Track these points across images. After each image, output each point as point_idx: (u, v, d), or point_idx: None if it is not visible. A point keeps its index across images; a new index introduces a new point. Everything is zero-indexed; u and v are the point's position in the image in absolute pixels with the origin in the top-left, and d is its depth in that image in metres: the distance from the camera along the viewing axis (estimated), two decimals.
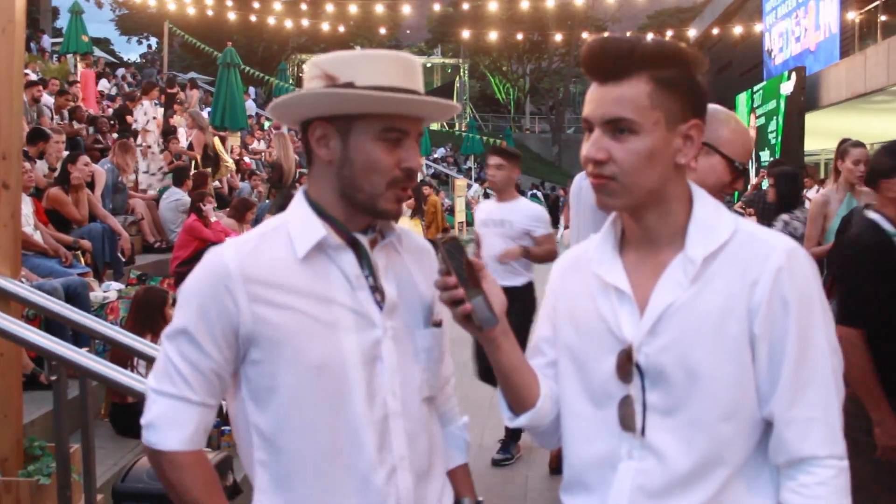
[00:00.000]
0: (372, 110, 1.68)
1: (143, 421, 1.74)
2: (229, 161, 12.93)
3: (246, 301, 1.67)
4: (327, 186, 1.75)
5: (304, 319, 1.68)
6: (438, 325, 1.84)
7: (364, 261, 1.75)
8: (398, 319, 1.77)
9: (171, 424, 1.70)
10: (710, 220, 1.64)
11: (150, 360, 4.19)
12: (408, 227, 1.74)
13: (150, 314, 5.47)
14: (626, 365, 1.63)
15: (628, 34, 1.63)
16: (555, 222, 31.37)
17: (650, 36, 1.67)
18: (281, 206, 11.01)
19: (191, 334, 1.69)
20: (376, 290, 1.75)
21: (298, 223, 1.74)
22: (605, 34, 1.70)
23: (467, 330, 1.69)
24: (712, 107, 2.33)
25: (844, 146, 5.94)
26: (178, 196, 10.37)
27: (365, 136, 1.69)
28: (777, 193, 6.44)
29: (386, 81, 1.66)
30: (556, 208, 30.21)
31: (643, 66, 1.56)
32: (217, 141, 13.24)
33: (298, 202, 1.78)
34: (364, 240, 1.76)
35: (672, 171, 1.61)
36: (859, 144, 5.94)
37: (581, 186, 4.40)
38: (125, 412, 5.04)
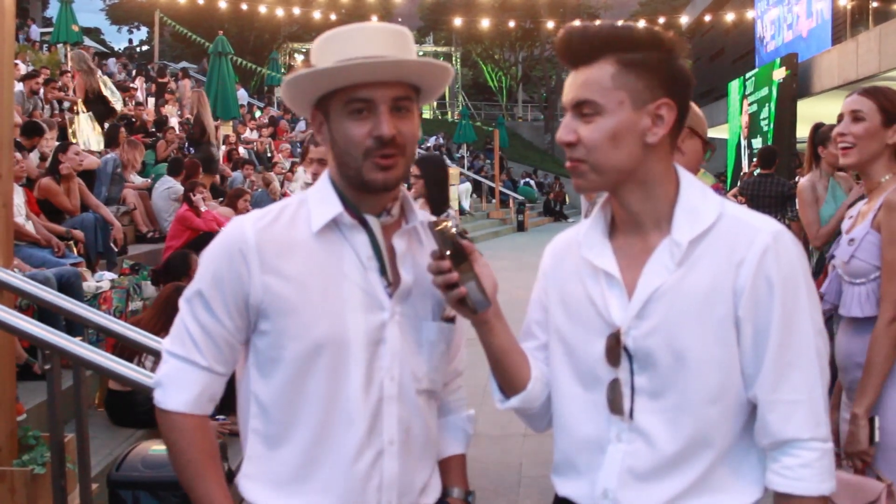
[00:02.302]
0: (328, 87, 1.69)
1: (153, 380, 1.79)
2: (117, 100, 12.66)
3: (258, 270, 1.70)
4: (334, 168, 1.79)
5: (313, 293, 1.71)
6: (450, 320, 1.84)
7: (373, 244, 1.76)
8: (408, 306, 1.78)
9: (176, 385, 1.75)
10: (696, 203, 1.66)
11: (147, 351, 4.19)
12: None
13: (173, 313, 5.28)
14: (615, 348, 1.65)
15: (619, 23, 1.65)
16: (548, 212, 30.93)
17: (642, 24, 1.70)
18: (205, 160, 11.05)
19: (205, 298, 1.74)
20: (384, 273, 1.76)
21: (318, 199, 1.78)
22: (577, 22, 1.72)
23: (460, 313, 1.71)
24: None
25: (825, 131, 5.89)
26: (171, 184, 10.33)
27: (337, 113, 1.71)
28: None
29: (345, 55, 1.66)
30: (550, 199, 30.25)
31: (608, 49, 1.60)
32: (104, 82, 13.00)
33: (322, 180, 1.82)
34: (374, 222, 1.77)
35: (641, 150, 1.63)
36: None
37: None
38: (120, 400, 5.04)
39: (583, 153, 1.62)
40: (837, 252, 2.87)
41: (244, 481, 1.79)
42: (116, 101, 12.70)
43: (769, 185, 8.11)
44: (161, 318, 5.25)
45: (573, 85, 1.64)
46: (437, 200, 5.54)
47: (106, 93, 12.73)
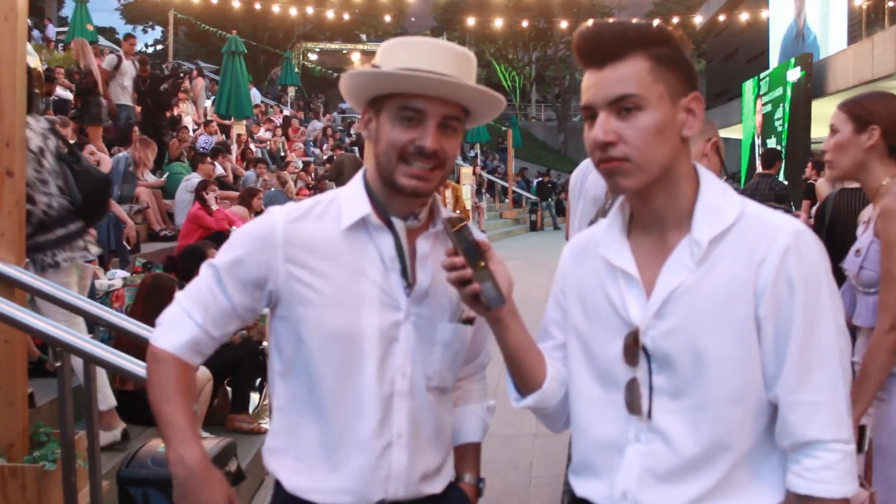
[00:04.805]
0: (385, 90, 1.77)
1: (157, 320, 1.91)
2: (32, 57, 12.50)
3: (283, 260, 1.80)
4: (372, 165, 1.86)
5: (333, 288, 1.78)
6: (468, 321, 1.89)
7: (397, 245, 1.81)
8: (425, 307, 1.84)
9: (172, 328, 1.87)
10: (717, 201, 1.63)
11: None
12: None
13: (158, 301, 5.33)
14: (633, 348, 1.63)
15: (634, 21, 1.64)
16: (560, 211, 30.80)
17: (655, 23, 1.68)
18: (95, 115, 10.97)
19: (220, 275, 1.85)
20: (405, 275, 1.81)
21: (349, 197, 1.86)
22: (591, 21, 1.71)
23: (474, 310, 1.70)
24: None
25: None
26: (197, 178, 10.34)
27: (387, 115, 1.79)
28: None
29: (412, 64, 1.73)
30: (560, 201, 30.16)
31: (638, 45, 1.57)
32: None
33: (357, 178, 1.90)
34: (400, 225, 1.83)
35: (680, 145, 1.61)
36: None
37: (582, 177, 3.97)
38: (130, 399, 5.04)
39: (626, 151, 1.57)
40: (846, 264, 2.84)
41: (269, 455, 1.91)
42: (32, 59, 12.46)
43: (765, 185, 8.15)
44: (147, 309, 5.27)
45: (606, 82, 1.58)
46: None
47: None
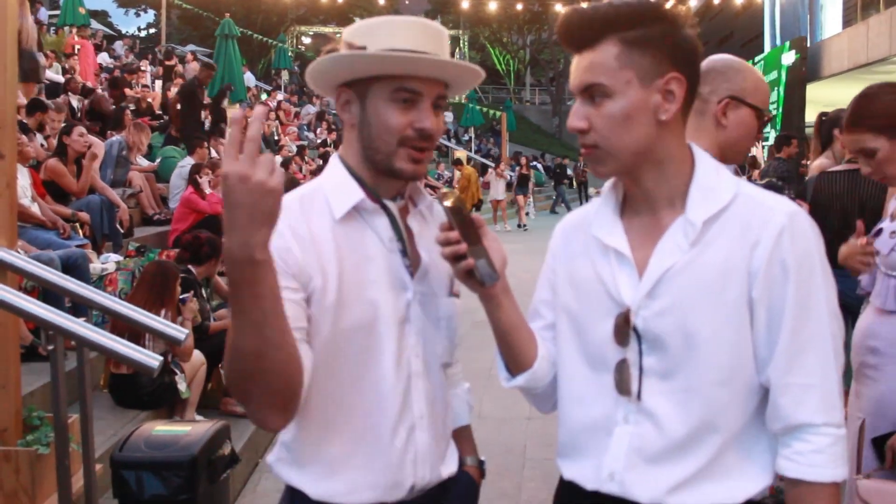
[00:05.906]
0: (380, 72, 1.71)
1: None
2: None
3: (300, 252, 1.67)
4: (354, 150, 1.79)
5: (343, 279, 1.69)
6: (456, 296, 1.90)
7: (393, 226, 1.78)
8: (426, 285, 1.82)
9: None
10: (712, 182, 1.62)
11: (149, 331, 4.19)
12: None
13: (163, 288, 5.30)
14: (624, 328, 1.62)
15: (618, 1, 1.61)
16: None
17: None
18: (25, 70, 10.69)
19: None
20: (405, 254, 1.78)
21: (336, 186, 1.78)
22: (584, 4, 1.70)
23: (468, 286, 1.70)
24: (728, 58, 2.36)
25: (834, 116, 5.84)
26: (191, 163, 10.27)
27: (379, 97, 1.72)
28: None
29: (398, 44, 1.69)
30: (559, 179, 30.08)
31: (609, 29, 1.57)
32: None
33: (334, 165, 1.82)
34: (393, 206, 1.80)
35: (655, 128, 1.59)
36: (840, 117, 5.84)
37: None
38: (124, 383, 5.04)
39: (596, 138, 1.59)
40: (878, 243, 2.82)
41: (280, 466, 1.80)
42: None
43: (772, 168, 8.11)
44: (152, 296, 5.23)
45: (578, 69, 1.61)
46: None
47: None
